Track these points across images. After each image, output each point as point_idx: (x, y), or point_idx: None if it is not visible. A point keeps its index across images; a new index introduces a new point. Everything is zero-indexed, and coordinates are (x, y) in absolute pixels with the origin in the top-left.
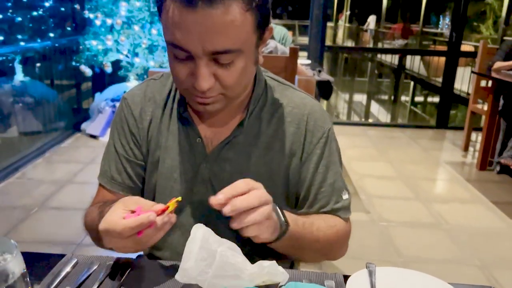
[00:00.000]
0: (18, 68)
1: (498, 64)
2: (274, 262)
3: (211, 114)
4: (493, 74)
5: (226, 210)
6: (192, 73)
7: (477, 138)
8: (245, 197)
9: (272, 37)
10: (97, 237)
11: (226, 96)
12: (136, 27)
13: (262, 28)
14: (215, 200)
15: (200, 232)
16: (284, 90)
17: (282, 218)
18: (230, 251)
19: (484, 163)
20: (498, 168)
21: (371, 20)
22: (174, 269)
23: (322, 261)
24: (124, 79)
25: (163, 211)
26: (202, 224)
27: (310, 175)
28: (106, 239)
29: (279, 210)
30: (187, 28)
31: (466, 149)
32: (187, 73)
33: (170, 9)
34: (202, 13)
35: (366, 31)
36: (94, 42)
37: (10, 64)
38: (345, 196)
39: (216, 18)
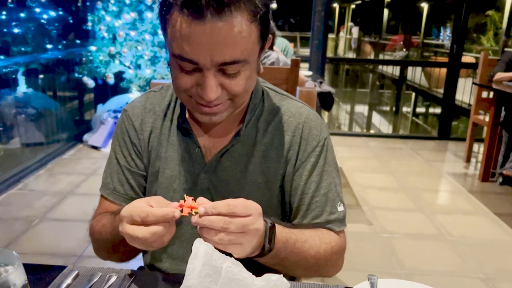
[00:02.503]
0: (21, 79)
1: (499, 75)
2: (281, 275)
3: (215, 124)
4: (494, 85)
5: (193, 220)
6: (198, 84)
7: (479, 149)
8: (214, 217)
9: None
10: (105, 245)
11: (233, 101)
12: (139, 38)
13: (264, 38)
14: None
15: (202, 248)
16: (281, 100)
17: (267, 244)
18: (236, 266)
19: (487, 175)
20: (500, 180)
21: (354, 31)
22: (175, 280)
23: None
24: (126, 90)
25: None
26: (202, 239)
27: (303, 183)
28: (124, 226)
29: (267, 231)
30: (196, 41)
31: (468, 160)
32: (192, 84)
33: (177, 22)
34: (211, 26)
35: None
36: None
37: (13, 76)
38: (340, 208)
39: (224, 30)
